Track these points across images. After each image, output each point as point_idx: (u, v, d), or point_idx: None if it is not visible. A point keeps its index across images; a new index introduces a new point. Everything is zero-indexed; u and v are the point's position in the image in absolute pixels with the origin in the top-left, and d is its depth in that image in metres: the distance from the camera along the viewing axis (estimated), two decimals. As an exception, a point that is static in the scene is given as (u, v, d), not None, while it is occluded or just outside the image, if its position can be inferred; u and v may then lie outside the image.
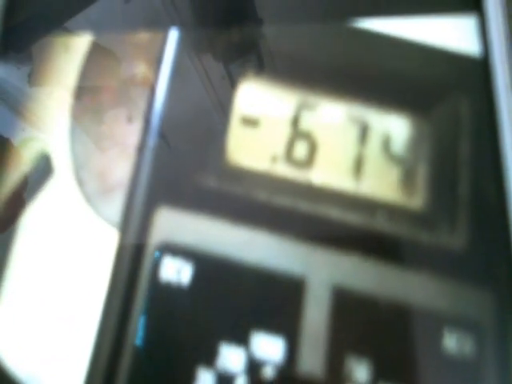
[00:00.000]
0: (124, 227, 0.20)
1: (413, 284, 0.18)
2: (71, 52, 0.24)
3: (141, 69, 0.23)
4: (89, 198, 0.22)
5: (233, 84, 0.22)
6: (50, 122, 0.23)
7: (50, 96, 0.24)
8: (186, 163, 0.21)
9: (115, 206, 0.21)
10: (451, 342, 0.17)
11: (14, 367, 0.19)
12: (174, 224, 0.20)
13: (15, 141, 0.23)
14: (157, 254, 0.19)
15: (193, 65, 0.23)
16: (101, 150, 0.22)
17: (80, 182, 0.22)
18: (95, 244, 0.21)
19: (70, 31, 0.24)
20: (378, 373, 0.17)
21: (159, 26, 0.23)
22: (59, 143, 0.23)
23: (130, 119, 0.23)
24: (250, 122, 0.21)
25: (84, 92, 0.23)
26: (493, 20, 0.20)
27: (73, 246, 0.21)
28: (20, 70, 0.24)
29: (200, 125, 0.22)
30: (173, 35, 0.23)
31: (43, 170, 0.23)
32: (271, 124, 0.21)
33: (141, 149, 0.22)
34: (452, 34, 0.21)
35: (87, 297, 0.20)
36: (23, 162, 0.23)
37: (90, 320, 0.19)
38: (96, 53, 0.24)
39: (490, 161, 0.19)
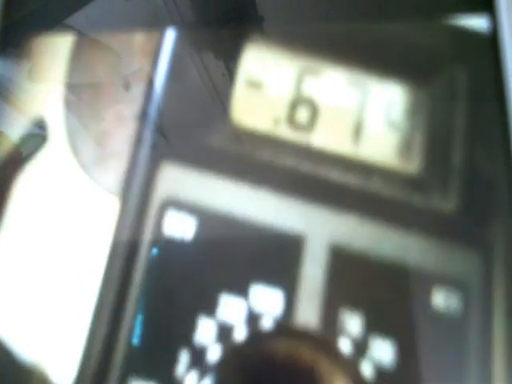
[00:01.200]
0: (128, 183, 0.21)
1: (405, 244, 0.19)
2: (70, 48, 0.24)
3: (140, 66, 0.23)
4: (85, 166, 0.22)
5: (229, 68, 0.23)
6: (49, 117, 0.23)
7: (49, 92, 0.24)
8: (191, 122, 0.22)
9: (113, 174, 0.21)
10: (439, 298, 0.18)
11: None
12: (178, 180, 0.21)
13: (14, 137, 0.23)
14: (155, 251, 0.20)
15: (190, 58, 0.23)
16: (101, 148, 0.22)
17: (75, 150, 0.23)
18: (93, 211, 0.21)
19: (69, 28, 0.24)
20: (370, 326, 0.18)
21: (159, 23, 0.24)
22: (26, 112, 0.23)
23: (127, 86, 0.23)
24: (254, 85, 0.22)
25: (83, 88, 0.24)
26: (505, 21, 0.20)
27: (70, 213, 0.21)
28: (19, 66, 0.24)
29: (205, 87, 0.22)
30: (172, 33, 0.23)
31: (38, 138, 0.23)
32: (275, 87, 0.22)
33: (144, 111, 0.22)
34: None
35: (88, 264, 0.20)
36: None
37: (92, 279, 0.20)
38: (95, 50, 0.24)
39: (483, 130, 0.20)
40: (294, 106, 0.21)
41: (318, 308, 0.18)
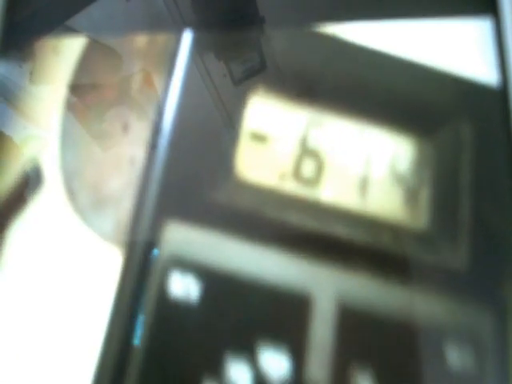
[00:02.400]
0: (130, 242, 0.21)
1: (416, 300, 0.18)
2: (73, 51, 0.24)
3: (142, 68, 0.23)
4: (80, 211, 0.22)
5: (242, 99, 0.23)
6: (51, 120, 0.23)
7: (51, 94, 0.24)
8: (194, 178, 0.22)
9: (108, 219, 0.21)
10: (453, 356, 0.17)
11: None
12: (182, 238, 0.20)
13: (16, 138, 0.23)
14: (155, 251, 0.20)
15: (198, 70, 0.23)
16: (102, 150, 0.22)
17: (71, 194, 0.22)
18: (87, 258, 0.21)
19: (71, 30, 0.25)
20: (382, 385, 0.17)
21: (161, 25, 0.24)
22: (51, 152, 0.23)
23: (125, 128, 0.23)
24: (259, 138, 0.22)
25: (85, 90, 0.24)
26: (508, 23, 0.20)
27: (65, 260, 0.21)
28: (21, 68, 0.24)
29: (208, 139, 0.22)
30: (175, 35, 0.23)
31: (33, 179, 0.23)
32: (280, 141, 0.22)
33: (149, 160, 0.22)
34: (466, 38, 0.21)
35: (84, 314, 0.20)
36: (24, 160, 0.23)
37: (93, 340, 0.19)
38: (98, 51, 0.24)
39: (490, 184, 0.20)
40: (299, 159, 0.21)
41: (329, 368, 0.18)
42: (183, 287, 0.19)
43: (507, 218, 0.19)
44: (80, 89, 0.24)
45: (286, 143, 0.22)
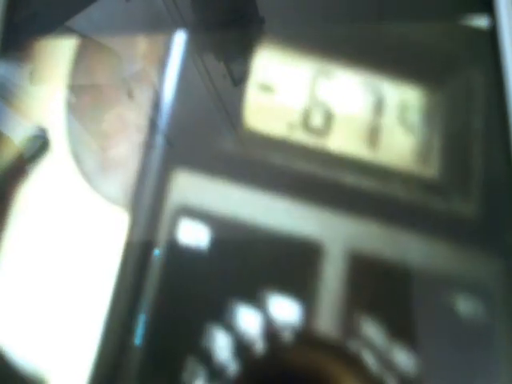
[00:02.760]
0: (138, 192, 0.21)
1: (425, 249, 0.18)
2: (72, 51, 0.24)
3: (142, 68, 0.23)
4: (87, 175, 0.22)
5: (230, 69, 0.22)
6: (51, 120, 0.23)
7: (52, 94, 0.24)
8: (201, 128, 0.22)
9: (116, 183, 0.21)
10: (462, 304, 0.18)
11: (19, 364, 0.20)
12: (190, 187, 0.20)
13: (16, 139, 0.23)
14: (156, 252, 0.20)
15: (197, 70, 0.23)
16: (102, 150, 0.22)
17: (77, 159, 0.22)
18: (96, 221, 0.21)
19: (71, 30, 0.24)
20: (391, 332, 0.17)
21: (161, 25, 0.24)
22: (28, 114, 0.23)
23: (130, 94, 0.23)
24: (267, 89, 0.22)
25: (85, 91, 0.23)
26: (505, 22, 0.20)
27: (73, 222, 0.21)
28: (21, 69, 0.24)
29: (217, 92, 0.22)
30: (175, 35, 0.23)
31: (39, 145, 0.23)
32: (288, 92, 0.22)
33: (150, 118, 0.22)
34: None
35: (96, 272, 0.20)
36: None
37: (102, 292, 0.20)
38: (97, 52, 0.24)
39: (500, 133, 0.19)
40: (308, 110, 0.21)
41: (338, 317, 0.18)
42: (193, 235, 0.19)
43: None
44: (80, 89, 0.24)
45: (295, 94, 0.22)
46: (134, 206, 0.20)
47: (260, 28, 0.23)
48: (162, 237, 0.20)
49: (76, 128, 0.23)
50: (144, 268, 0.19)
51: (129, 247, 0.20)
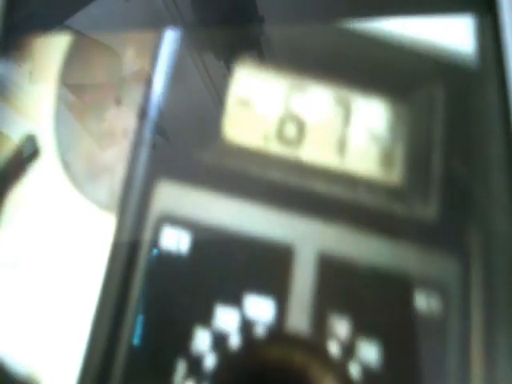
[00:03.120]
0: (124, 201, 0.22)
1: (389, 251, 0.20)
2: (72, 50, 0.25)
3: (141, 67, 0.24)
4: (76, 181, 0.23)
5: (229, 68, 0.24)
6: (50, 119, 0.24)
7: (51, 93, 0.24)
8: (184, 141, 0.23)
9: (103, 188, 0.22)
10: (421, 301, 0.19)
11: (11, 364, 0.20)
12: (172, 196, 0.21)
13: (15, 137, 0.24)
14: (156, 251, 0.21)
15: (191, 58, 0.24)
16: (101, 148, 0.23)
17: (66, 165, 0.23)
18: (84, 226, 0.22)
19: (70, 29, 0.25)
20: (357, 329, 0.19)
21: (160, 24, 0.24)
22: (46, 126, 0.24)
23: (118, 102, 0.24)
24: (244, 103, 0.23)
25: (84, 90, 0.24)
26: (507, 20, 0.21)
27: (61, 229, 0.22)
28: (21, 68, 0.25)
29: (198, 105, 0.23)
30: (173, 33, 0.24)
31: (29, 152, 0.23)
32: (264, 105, 0.23)
33: (139, 129, 0.23)
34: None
35: (82, 280, 0.21)
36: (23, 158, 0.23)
37: (90, 294, 0.20)
38: (97, 51, 0.25)
39: (460, 142, 0.21)
40: (282, 122, 0.23)
41: (309, 314, 0.19)
42: (174, 242, 0.21)
43: (474, 173, 0.20)
44: (79, 88, 0.24)
45: (270, 107, 0.23)
46: (120, 213, 0.21)
47: (260, 26, 0.24)
48: (145, 243, 0.21)
49: (65, 132, 0.24)
50: (129, 273, 0.20)
51: (114, 252, 0.21)
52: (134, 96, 0.24)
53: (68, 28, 0.25)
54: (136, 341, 0.20)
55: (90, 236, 0.21)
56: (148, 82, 0.24)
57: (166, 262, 0.20)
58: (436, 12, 0.22)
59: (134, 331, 0.20)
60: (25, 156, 0.23)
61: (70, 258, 0.21)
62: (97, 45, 0.24)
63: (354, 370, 0.18)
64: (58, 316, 0.21)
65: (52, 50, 0.25)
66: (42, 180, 0.23)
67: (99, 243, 0.21)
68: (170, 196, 0.21)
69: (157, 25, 0.24)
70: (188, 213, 0.21)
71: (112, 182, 0.22)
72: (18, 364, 0.20)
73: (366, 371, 0.18)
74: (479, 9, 0.22)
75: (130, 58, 0.24)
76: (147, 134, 0.23)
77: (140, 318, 0.20)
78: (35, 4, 0.25)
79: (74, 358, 0.20)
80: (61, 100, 0.24)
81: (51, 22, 0.25)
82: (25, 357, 0.20)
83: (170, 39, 0.24)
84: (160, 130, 0.23)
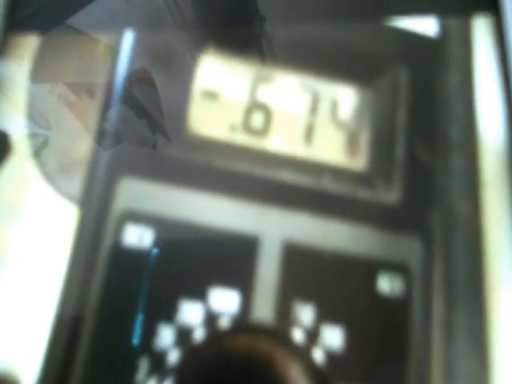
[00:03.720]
0: (87, 197, 0.22)
1: (353, 236, 0.20)
2: (72, 49, 0.25)
3: (141, 67, 0.24)
4: (48, 176, 0.23)
5: (193, 60, 0.24)
6: (51, 118, 0.24)
7: (51, 92, 0.24)
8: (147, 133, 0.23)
9: (76, 183, 0.22)
10: (384, 284, 0.19)
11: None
12: (135, 192, 0.21)
13: (16, 137, 0.24)
14: (155, 251, 0.21)
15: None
16: (102, 148, 0.23)
17: (39, 159, 0.23)
18: (56, 221, 0.22)
19: (71, 28, 0.25)
20: (321, 315, 0.19)
21: (160, 24, 0.24)
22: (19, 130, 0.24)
23: (91, 94, 0.24)
24: (209, 95, 0.23)
25: (84, 89, 0.24)
26: (510, 20, 0.21)
27: (33, 224, 0.22)
28: (21, 67, 0.24)
29: (162, 99, 0.23)
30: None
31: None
32: (230, 96, 0.23)
33: (102, 121, 0.23)
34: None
35: (49, 273, 0.21)
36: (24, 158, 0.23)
37: (51, 295, 0.20)
38: (97, 50, 0.24)
39: (423, 126, 0.21)
40: (248, 112, 0.23)
41: (273, 303, 0.19)
42: (138, 238, 0.21)
43: (436, 157, 0.20)
44: (79, 87, 0.24)
45: (236, 98, 0.23)
46: (82, 209, 0.21)
47: (260, 26, 0.24)
48: (108, 240, 0.21)
49: (39, 127, 0.24)
50: (90, 270, 0.20)
51: (76, 250, 0.21)
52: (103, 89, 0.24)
53: (69, 27, 0.25)
54: (99, 338, 0.20)
55: (62, 230, 0.21)
56: (114, 76, 0.24)
57: (130, 259, 0.20)
58: (437, 12, 0.23)
59: (97, 328, 0.20)
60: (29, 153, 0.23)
61: (40, 253, 0.21)
62: (97, 45, 0.24)
63: (319, 356, 0.19)
64: (23, 310, 0.21)
65: (52, 49, 0.25)
66: (14, 175, 0.23)
67: (71, 238, 0.21)
68: (134, 192, 0.21)
69: (157, 25, 0.24)
70: (153, 208, 0.21)
71: (82, 178, 0.22)
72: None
73: (331, 356, 0.19)
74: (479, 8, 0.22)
75: (131, 59, 0.24)
76: (111, 129, 0.23)
77: (102, 315, 0.20)
78: (36, 3, 0.25)
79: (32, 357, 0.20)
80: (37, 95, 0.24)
81: (52, 22, 0.25)
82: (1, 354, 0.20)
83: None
84: (125, 123, 0.23)
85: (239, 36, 0.24)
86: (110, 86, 0.24)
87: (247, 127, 0.22)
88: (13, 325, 0.20)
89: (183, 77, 0.23)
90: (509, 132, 0.20)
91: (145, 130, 0.23)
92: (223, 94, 0.23)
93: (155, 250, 0.20)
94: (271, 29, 0.24)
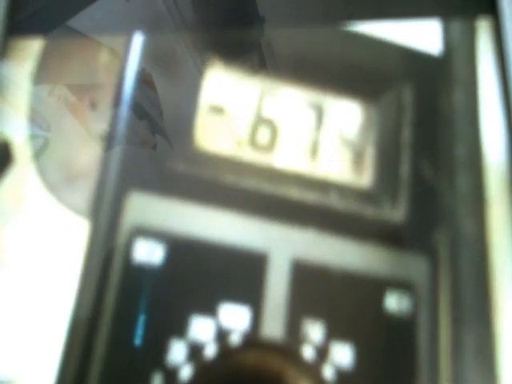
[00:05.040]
0: (96, 211, 0.22)
1: (360, 254, 0.20)
2: (72, 50, 0.25)
3: (142, 68, 0.24)
4: (51, 187, 0.23)
5: (200, 75, 0.24)
6: (51, 120, 0.24)
7: (51, 94, 0.24)
8: (156, 150, 0.23)
9: (79, 194, 0.22)
10: (392, 302, 0.19)
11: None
12: (144, 207, 0.22)
13: (18, 138, 0.24)
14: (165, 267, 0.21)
15: (197, 70, 0.24)
16: (103, 150, 0.23)
17: (41, 171, 0.23)
18: (60, 233, 0.22)
19: (71, 30, 0.25)
20: (331, 332, 0.19)
21: (161, 25, 0.25)
22: (19, 132, 0.24)
23: (93, 106, 0.24)
24: (216, 110, 0.23)
25: (85, 90, 0.24)
26: (508, 22, 0.21)
27: (37, 235, 0.22)
28: (21, 68, 0.25)
29: (169, 114, 0.24)
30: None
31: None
32: (236, 111, 0.23)
33: (110, 136, 0.23)
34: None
35: (55, 285, 0.21)
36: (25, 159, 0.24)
37: (63, 308, 0.20)
38: (98, 51, 0.25)
39: (428, 143, 0.21)
40: (255, 127, 0.23)
41: (283, 320, 0.20)
42: (147, 253, 0.21)
43: (441, 175, 0.21)
44: (80, 88, 0.24)
45: (242, 113, 0.23)
46: (92, 226, 0.22)
47: (260, 27, 0.24)
48: (118, 255, 0.21)
49: (39, 128, 0.24)
50: (101, 285, 0.20)
51: (87, 266, 0.21)
52: (108, 101, 0.24)
53: (69, 29, 0.25)
54: (111, 352, 0.20)
55: (67, 242, 0.22)
56: (121, 89, 0.24)
57: (140, 274, 0.21)
58: (434, 15, 0.23)
59: (109, 342, 0.20)
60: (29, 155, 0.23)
61: (45, 265, 0.22)
62: (97, 46, 0.25)
63: (329, 373, 0.19)
64: (34, 323, 0.21)
65: (53, 50, 0.25)
66: (17, 185, 0.23)
67: (76, 249, 0.21)
68: (143, 207, 0.22)
69: (157, 26, 0.24)
70: (161, 223, 0.21)
71: (88, 188, 0.22)
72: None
73: (340, 373, 0.19)
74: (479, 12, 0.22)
75: (131, 59, 0.24)
76: (119, 142, 0.23)
77: (113, 330, 0.20)
78: (37, 5, 0.25)
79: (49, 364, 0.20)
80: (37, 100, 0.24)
81: (53, 23, 0.25)
82: (6, 363, 0.21)
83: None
84: (132, 138, 0.23)
85: (239, 38, 0.24)
86: (111, 88, 0.24)
87: (253, 142, 0.23)
88: (26, 336, 0.21)
89: (189, 90, 0.24)
90: (509, 147, 0.21)
91: (145, 131, 0.23)
92: (229, 109, 0.23)
93: (165, 266, 0.20)
94: (274, 39, 0.24)
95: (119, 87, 0.24)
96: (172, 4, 0.25)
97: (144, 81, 0.24)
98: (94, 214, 0.22)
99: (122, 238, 0.21)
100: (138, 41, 0.24)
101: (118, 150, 0.23)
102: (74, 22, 0.25)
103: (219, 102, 0.23)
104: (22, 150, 0.23)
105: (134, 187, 0.22)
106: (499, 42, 0.21)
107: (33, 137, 0.24)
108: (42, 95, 0.25)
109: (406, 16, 0.23)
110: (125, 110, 0.23)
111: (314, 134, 0.23)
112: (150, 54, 0.24)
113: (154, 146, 0.23)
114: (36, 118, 0.24)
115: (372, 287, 0.20)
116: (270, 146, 0.22)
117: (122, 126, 0.23)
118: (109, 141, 0.23)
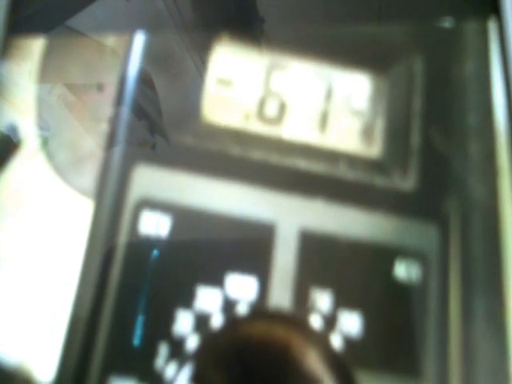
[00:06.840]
0: (102, 185, 0.22)
1: (369, 223, 0.20)
2: (72, 50, 0.25)
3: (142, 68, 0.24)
4: (59, 169, 0.23)
5: (208, 47, 0.24)
6: (51, 119, 0.24)
7: (50, 93, 0.24)
8: (163, 123, 0.23)
9: (87, 176, 0.22)
10: (401, 270, 0.19)
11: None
12: (151, 180, 0.21)
13: (16, 138, 0.24)
14: (155, 252, 0.21)
15: (197, 70, 0.24)
16: (102, 149, 0.23)
17: (49, 153, 0.23)
18: (68, 214, 0.22)
19: (71, 29, 0.25)
20: (339, 301, 0.19)
21: (161, 25, 0.24)
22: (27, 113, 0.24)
23: (100, 88, 0.24)
24: (224, 83, 0.23)
25: (85, 90, 0.24)
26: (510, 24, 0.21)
27: (45, 217, 0.22)
28: (21, 68, 0.25)
29: (177, 87, 0.23)
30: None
31: (10, 141, 0.24)
32: (244, 84, 0.23)
33: (117, 110, 0.23)
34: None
35: (64, 266, 0.21)
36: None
37: (69, 281, 0.20)
38: (97, 51, 0.24)
39: (439, 113, 0.21)
40: (263, 100, 0.23)
41: (291, 290, 0.19)
42: (154, 224, 0.21)
43: (452, 143, 0.20)
44: (79, 88, 0.24)
45: (250, 86, 0.23)
46: (98, 198, 0.22)
47: (260, 28, 0.24)
48: (124, 228, 0.21)
49: (39, 128, 0.24)
50: (107, 259, 0.20)
51: (93, 239, 0.21)
52: (113, 81, 0.24)
53: (69, 29, 0.25)
54: (118, 325, 0.20)
55: (74, 223, 0.22)
56: (126, 67, 0.24)
57: (147, 246, 0.21)
58: (438, 16, 0.22)
59: (115, 316, 0.20)
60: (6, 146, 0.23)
61: (53, 247, 0.22)
62: (97, 46, 0.24)
63: (337, 342, 0.19)
64: (40, 304, 0.21)
65: (52, 50, 0.25)
66: (25, 169, 0.23)
67: (83, 230, 0.21)
68: (150, 179, 0.21)
69: (158, 26, 0.24)
70: (168, 195, 0.21)
71: (95, 169, 0.22)
72: (8, 356, 0.20)
73: (349, 342, 0.19)
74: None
75: (131, 59, 0.24)
76: (125, 118, 0.23)
77: (119, 300, 0.20)
78: (37, 4, 0.25)
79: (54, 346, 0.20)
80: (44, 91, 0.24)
81: (52, 23, 0.25)
82: (14, 349, 0.21)
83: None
84: (139, 113, 0.23)
85: (239, 37, 0.24)
86: (112, 86, 0.24)
87: (262, 115, 0.22)
88: (28, 319, 0.21)
89: (197, 66, 0.23)
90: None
91: (144, 131, 0.23)
92: (237, 82, 0.23)
93: (172, 238, 0.20)
94: (273, 29, 0.24)
95: (119, 87, 0.23)
96: (172, 4, 0.25)
97: (144, 80, 0.24)
98: (101, 186, 0.22)
99: (128, 210, 0.21)
100: (138, 40, 0.24)
101: (124, 122, 0.23)
102: (75, 22, 0.25)
103: (227, 75, 0.23)
104: (21, 148, 0.23)
105: (140, 160, 0.22)
106: (501, 42, 0.21)
107: (33, 136, 0.24)
108: (40, 94, 0.25)
109: (404, 19, 0.23)
110: (122, 104, 0.23)
111: (323, 105, 0.22)
112: (150, 54, 0.24)
113: (153, 145, 0.23)
114: (35, 118, 0.24)
115: (381, 256, 0.20)
116: (278, 119, 0.22)
117: (120, 122, 0.23)
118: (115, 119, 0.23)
